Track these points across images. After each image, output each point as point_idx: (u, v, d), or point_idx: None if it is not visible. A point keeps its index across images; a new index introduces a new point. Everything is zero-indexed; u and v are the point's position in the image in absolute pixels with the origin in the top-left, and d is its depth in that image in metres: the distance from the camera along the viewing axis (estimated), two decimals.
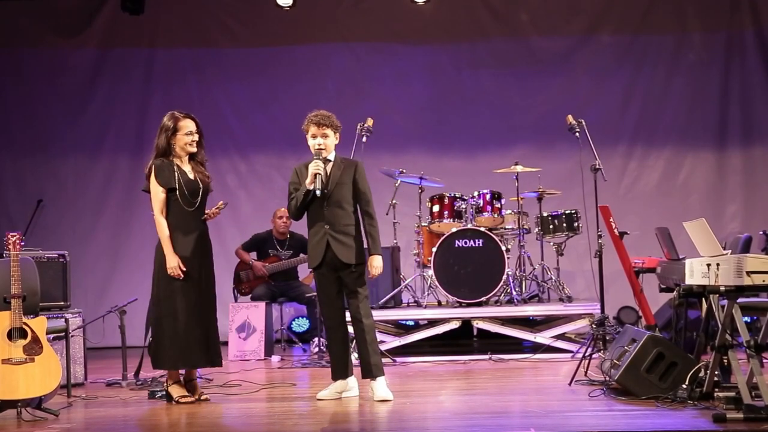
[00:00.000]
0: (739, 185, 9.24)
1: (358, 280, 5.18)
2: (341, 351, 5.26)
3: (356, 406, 5.03)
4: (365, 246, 5.26)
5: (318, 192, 5.12)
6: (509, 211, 7.83)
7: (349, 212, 5.21)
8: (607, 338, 6.24)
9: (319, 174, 5.12)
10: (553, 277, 7.75)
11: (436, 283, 7.32)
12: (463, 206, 7.68)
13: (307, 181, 5.15)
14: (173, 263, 5.14)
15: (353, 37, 9.53)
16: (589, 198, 6.63)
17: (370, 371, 5.13)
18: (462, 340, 7.95)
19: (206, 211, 5.33)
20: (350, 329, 5.33)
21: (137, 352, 6.23)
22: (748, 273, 4.14)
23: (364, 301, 5.17)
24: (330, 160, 5.25)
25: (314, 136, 5.21)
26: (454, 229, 7.39)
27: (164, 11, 9.39)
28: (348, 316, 5.28)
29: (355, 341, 5.31)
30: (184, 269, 5.16)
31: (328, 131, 5.21)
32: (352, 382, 5.29)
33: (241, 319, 7.69)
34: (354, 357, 5.57)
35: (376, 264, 5.23)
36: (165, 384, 5.35)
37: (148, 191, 5.28)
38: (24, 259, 5.22)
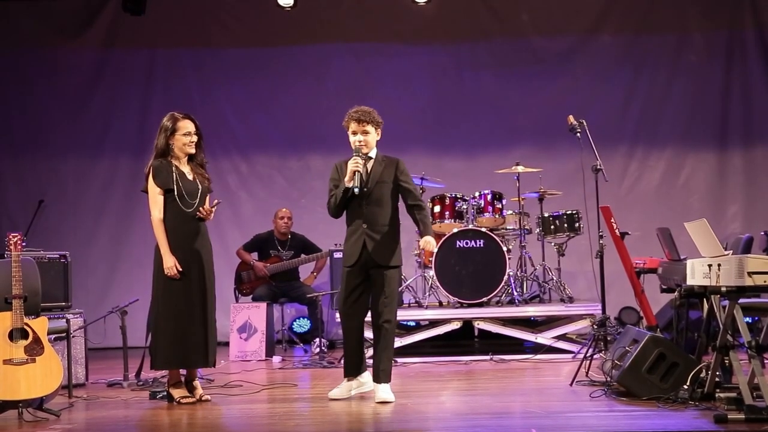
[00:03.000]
0: (741, 185, 9.22)
1: (389, 282, 5.10)
2: (357, 350, 5.23)
3: (358, 406, 5.02)
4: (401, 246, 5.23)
5: (356, 190, 5.05)
6: (510, 212, 7.83)
7: (388, 211, 5.16)
8: (609, 339, 6.23)
9: (359, 171, 5.05)
10: (554, 278, 7.74)
11: (437, 283, 7.32)
12: (464, 207, 7.68)
13: (346, 178, 5.08)
14: (170, 263, 5.14)
15: (354, 38, 9.51)
16: (590, 198, 6.61)
17: (378, 376, 5.11)
18: (463, 341, 7.95)
19: (200, 208, 5.25)
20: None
21: (138, 352, 6.23)
22: (750, 273, 4.14)
23: (390, 305, 5.07)
24: (371, 158, 5.19)
25: (354, 133, 5.15)
26: (455, 230, 7.39)
27: (165, 11, 9.38)
28: (369, 317, 5.21)
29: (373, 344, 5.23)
30: (181, 269, 5.16)
31: (369, 127, 5.15)
32: (365, 377, 5.27)
33: (243, 320, 7.69)
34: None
35: (430, 239, 5.18)
36: (166, 384, 5.35)
37: (147, 192, 5.28)
38: (25, 260, 5.22)
